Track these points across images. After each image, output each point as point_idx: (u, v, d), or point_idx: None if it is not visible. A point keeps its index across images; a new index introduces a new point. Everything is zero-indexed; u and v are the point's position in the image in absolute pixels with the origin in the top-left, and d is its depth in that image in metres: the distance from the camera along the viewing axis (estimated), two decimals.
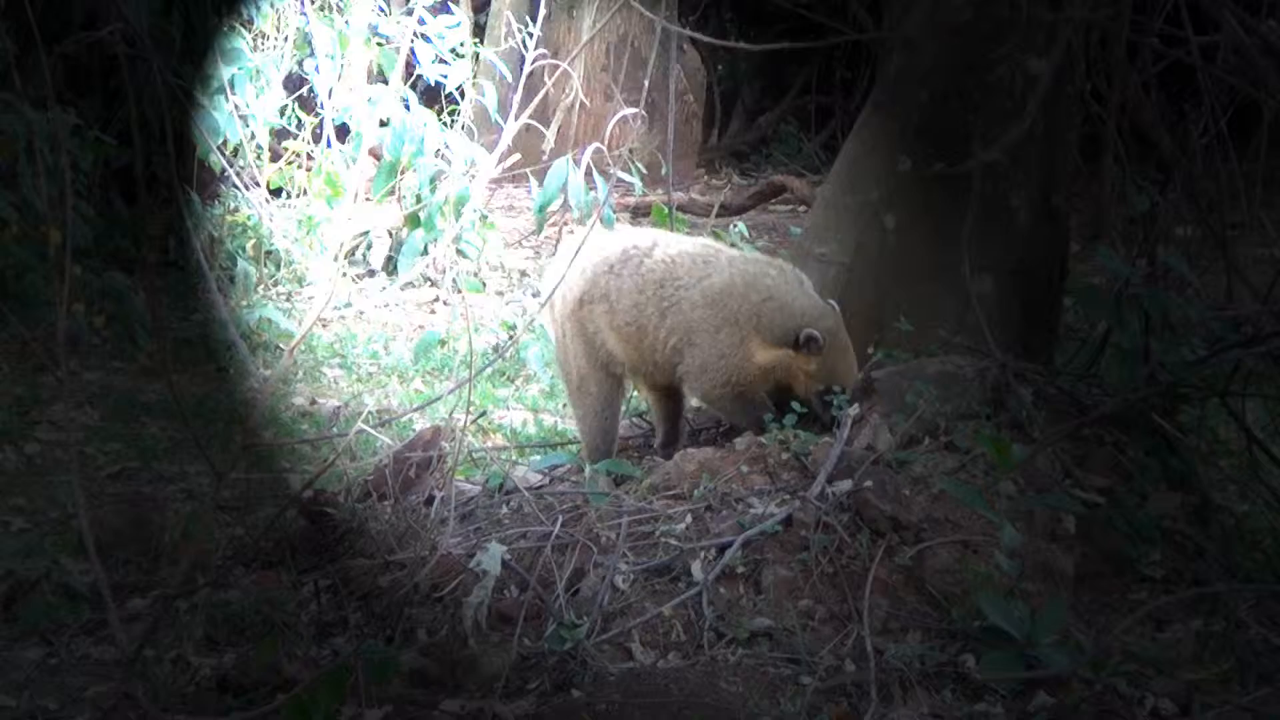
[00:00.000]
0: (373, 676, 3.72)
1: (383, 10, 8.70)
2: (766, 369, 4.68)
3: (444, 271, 8.51)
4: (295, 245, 8.26)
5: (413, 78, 8.79)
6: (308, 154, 8.54)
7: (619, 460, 4.86)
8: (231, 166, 8.08)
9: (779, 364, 4.67)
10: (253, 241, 8.21)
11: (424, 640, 4.01)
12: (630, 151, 9.32)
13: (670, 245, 4.92)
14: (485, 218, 9.04)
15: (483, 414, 6.06)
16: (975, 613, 3.93)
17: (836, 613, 4.03)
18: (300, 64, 8.51)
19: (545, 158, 9.14)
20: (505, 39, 9.25)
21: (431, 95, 9.03)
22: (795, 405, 4.56)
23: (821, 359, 4.63)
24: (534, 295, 8.37)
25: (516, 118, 6.62)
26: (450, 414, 5.07)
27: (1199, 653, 4.03)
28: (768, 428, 4.57)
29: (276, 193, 8.54)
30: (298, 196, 8.53)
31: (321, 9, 8.48)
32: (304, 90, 8.54)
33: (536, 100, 6.99)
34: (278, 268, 8.29)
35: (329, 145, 8.48)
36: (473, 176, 8.48)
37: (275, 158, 8.51)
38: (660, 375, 4.89)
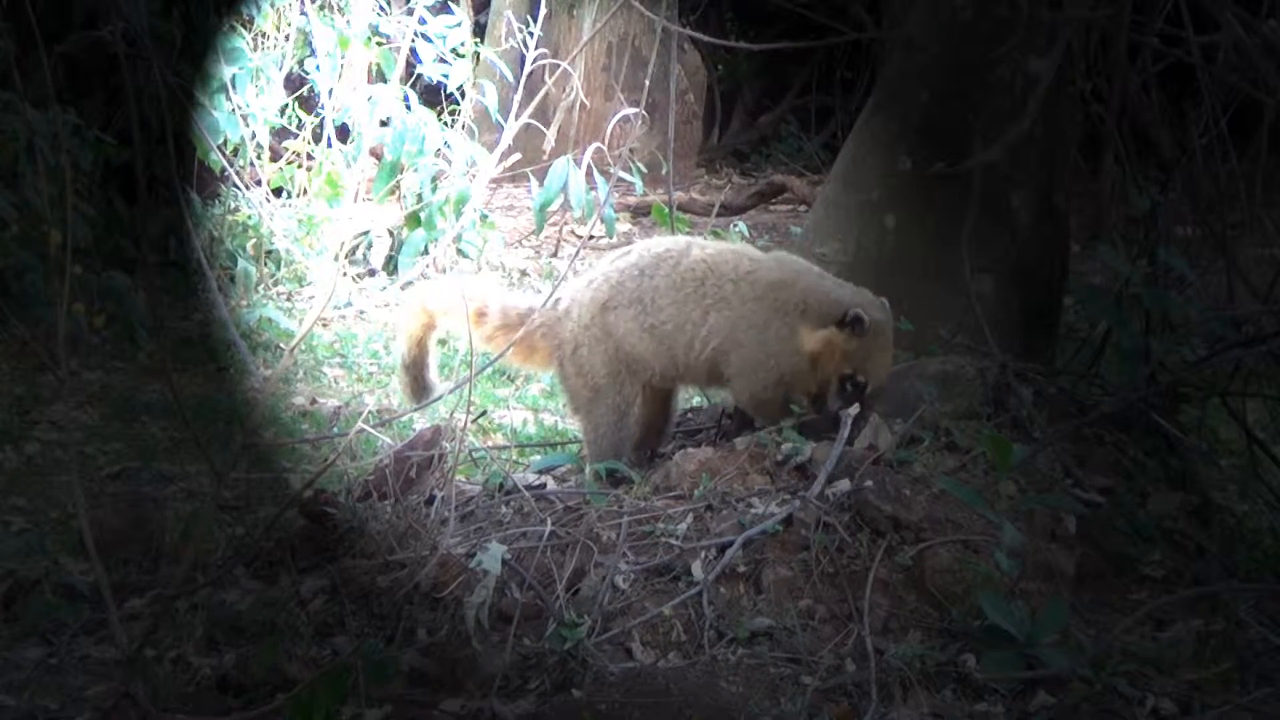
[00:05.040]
0: (373, 676, 3.72)
1: (383, 10, 8.71)
2: (814, 355, 4.52)
3: (444, 271, 8.51)
4: (295, 245, 8.26)
5: (413, 77, 8.80)
6: (308, 154, 8.54)
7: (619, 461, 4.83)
8: (232, 166, 8.09)
9: (824, 346, 4.51)
10: (253, 241, 8.21)
11: (424, 640, 4.01)
12: (630, 151, 9.32)
13: (707, 246, 4.82)
14: (486, 217, 9.06)
15: (483, 414, 6.06)
16: (975, 612, 3.93)
17: (837, 612, 4.03)
18: (301, 63, 8.51)
19: (546, 157, 9.15)
20: (505, 39, 9.25)
21: (432, 95, 9.03)
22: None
23: (861, 341, 4.46)
24: (538, 293, 8.38)
25: (517, 117, 6.62)
26: (450, 414, 5.06)
27: (1199, 653, 4.03)
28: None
29: (277, 192, 8.55)
30: (298, 196, 8.53)
31: (322, 9, 8.48)
32: (304, 90, 8.54)
33: (537, 100, 6.97)
34: (278, 267, 8.29)
35: (329, 145, 8.48)
36: (473, 176, 8.48)
37: (275, 157, 8.52)
38: (692, 377, 4.77)
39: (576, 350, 4.80)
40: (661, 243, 4.89)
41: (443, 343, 7.24)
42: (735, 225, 8.98)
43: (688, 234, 8.26)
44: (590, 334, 4.77)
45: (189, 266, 8.03)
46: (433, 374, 5.07)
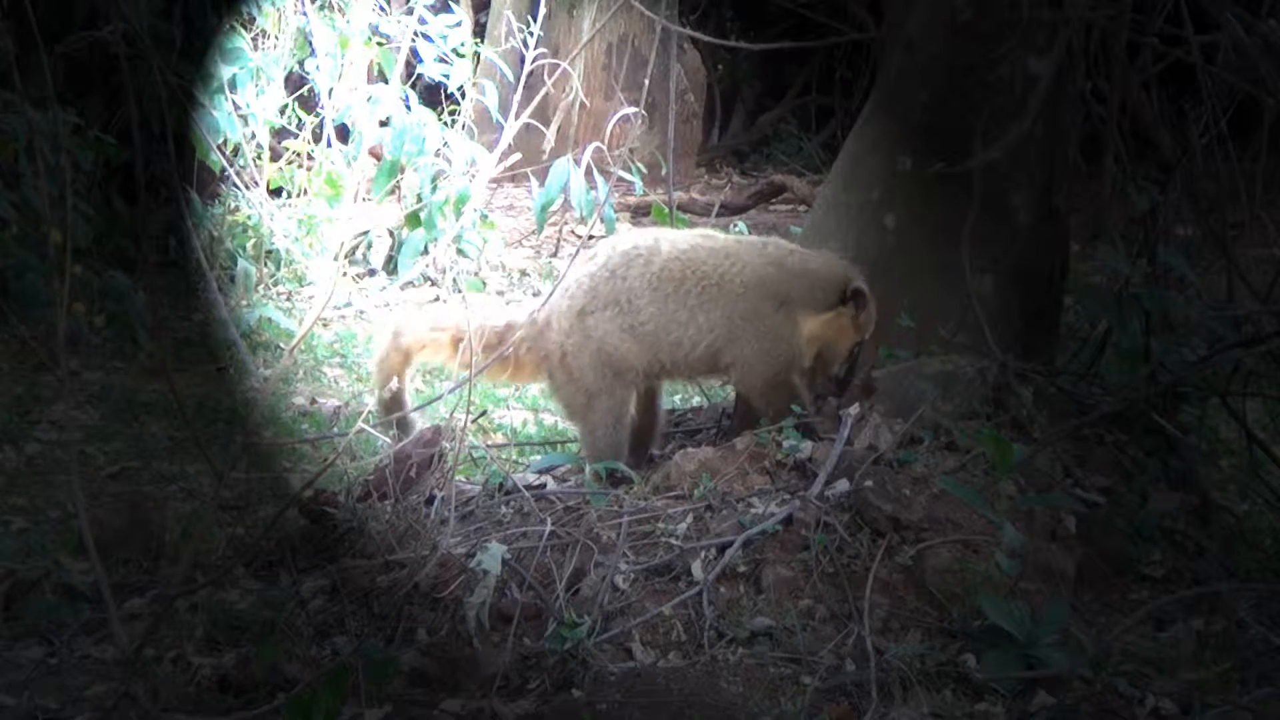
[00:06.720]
0: (373, 676, 3.72)
1: (383, 10, 8.71)
2: (814, 338, 4.65)
3: (444, 271, 8.51)
4: (295, 245, 8.26)
5: (413, 77, 8.79)
6: (308, 153, 8.54)
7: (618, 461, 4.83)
8: (231, 166, 8.09)
9: (828, 328, 4.65)
10: (253, 241, 8.21)
11: (424, 640, 4.01)
12: (630, 151, 9.33)
13: (677, 240, 4.82)
14: (486, 217, 9.05)
15: (483, 413, 6.06)
16: (975, 612, 3.93)
17: (837, 612, 4.03)
18: (301, 63, 8.50)
19: (545, 157, 9.15)
20: (505, 39, 9.25)
21: (432, 95, 9.03)
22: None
23: (866, 311, 4.64)
24: (534, 294, 8.38)
25: (517, 117, 6.62)
26: (450, 414, 5.06)
27: (1199, 653, 4.03)
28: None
29: (277, 192, 8.54)
30: (298, 196, 8.53)
31: (322, 8, 8.48)
32: (304, 90, 8.54)
33: (537, 100, 6.99)
34: (278, 267, 8.29)
35: (329, 145, 8.48)
36: (473, 176, 8.48)
37: (275, 157, 8.51)
38: (681, 373, 4.82)
39: (564, 359, 4.82)
40: (627, 239, 4.89)
41: None
42: (735, 225, 8.97)
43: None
44: (573, 341, 4.78)
45: (189, 266, 8.03)
46: (411, 410, 5.05)
